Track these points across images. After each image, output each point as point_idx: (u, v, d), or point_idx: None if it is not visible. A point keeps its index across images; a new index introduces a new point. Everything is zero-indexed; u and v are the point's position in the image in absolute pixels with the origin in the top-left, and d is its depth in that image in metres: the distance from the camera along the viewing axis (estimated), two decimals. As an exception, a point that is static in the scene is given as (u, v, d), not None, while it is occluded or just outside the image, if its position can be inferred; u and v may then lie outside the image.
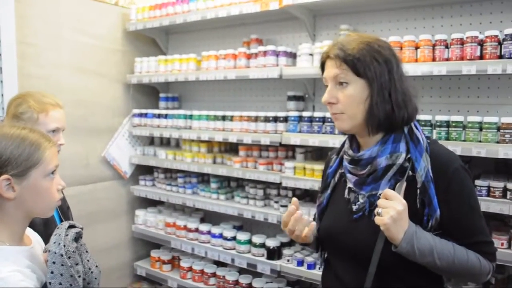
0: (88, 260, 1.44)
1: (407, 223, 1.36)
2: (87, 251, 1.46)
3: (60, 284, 1.28)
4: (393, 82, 1.45)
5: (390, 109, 1.44)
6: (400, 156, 1.46)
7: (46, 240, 1.49)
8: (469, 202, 1.45)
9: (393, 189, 1.45)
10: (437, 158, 1.46)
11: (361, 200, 1.52)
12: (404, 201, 1.36)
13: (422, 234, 1.38)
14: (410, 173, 1.45)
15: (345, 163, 1.59)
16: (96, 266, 1.47)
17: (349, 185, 1.58)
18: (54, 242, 1.33)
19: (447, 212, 1.42)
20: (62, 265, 1.30)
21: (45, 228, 1.91)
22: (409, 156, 1.46)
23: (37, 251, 1.42)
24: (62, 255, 1.30)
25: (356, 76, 1.45)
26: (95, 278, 1.45)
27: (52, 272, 1.29)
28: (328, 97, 1.50)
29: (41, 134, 1.39)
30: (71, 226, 1.42)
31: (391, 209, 1.34)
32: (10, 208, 1.31)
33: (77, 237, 1.42)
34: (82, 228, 1.45)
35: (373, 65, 1.43)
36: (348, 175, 1.58)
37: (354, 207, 1.53)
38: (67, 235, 1.36)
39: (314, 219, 1.73)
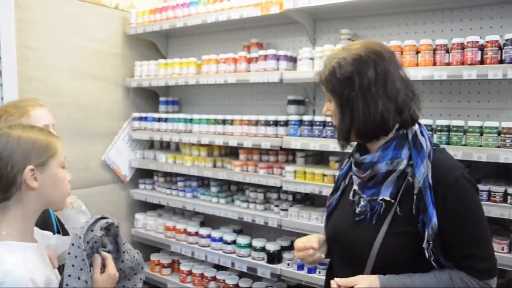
0: (130, 249, 1.57)
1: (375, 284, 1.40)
2: (124, 243, 1.56)
3: (73, 266, 1.33)
4: (356, 97, 1.48)
5: (348, 124, 1.51)
6: (401, 163, 1.47)
7: None
8: (467, 212, 1.42)
9: (395, 195, 1.47)
10: (439, 165, 1.45)
11: (362, 203, 1.55)
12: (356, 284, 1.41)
13: (395, 283, 1.41)
14: (411, 180, 1.45)
15: (352, 165, 1.63)
16: (138, 253, 1.62)
17: (354, 187, 1.61)
18: (81, 227, 1.40)
19: (443, 220, 1.40)
20: (78, 247, 1.35)
21: (41, 227, 1.93)
22: (411, 162, 1.47)
23: (43, 249, 1.43)
24: (80, 237, 1.36)
25: (332, 95, 1.55)
26: (139, 264, 1.61)
27: (69, 253, 1.35)
28: (324, 109, 1.63)
29: (47, 131, 1.47)
30: (103, 218, 1.49)
31: None
32: (31, 199, 1.36)
33: (109, 228, 1.49)
34: (118, 223, 1.53)
35: (333, 86, 1.52)
36: (354, 177, 1.62)
37: (357, 210, 1.57)
38: (95, 223, 1.43)
39: None
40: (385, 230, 1.46)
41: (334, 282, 1.45)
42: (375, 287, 1.40)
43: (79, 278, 1.32)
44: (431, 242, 1.40)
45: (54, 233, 2.06)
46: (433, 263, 1.42)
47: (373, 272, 1.45)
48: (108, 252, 1.47)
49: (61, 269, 1.45)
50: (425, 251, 1.40)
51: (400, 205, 1.46)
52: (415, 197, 1.43)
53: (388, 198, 1.48)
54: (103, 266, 1.42)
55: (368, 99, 1.46)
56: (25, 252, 1.31)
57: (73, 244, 1.35)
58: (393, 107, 1.47)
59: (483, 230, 1.44)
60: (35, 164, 1.33)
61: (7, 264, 1.22)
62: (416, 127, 1.54)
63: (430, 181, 1.42)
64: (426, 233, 1.40)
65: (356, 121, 1.48)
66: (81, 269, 1.33)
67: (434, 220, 1.39)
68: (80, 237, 1.35)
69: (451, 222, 1.41)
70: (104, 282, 1.40)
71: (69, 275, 1.31)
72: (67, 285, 1.31)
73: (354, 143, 1.66)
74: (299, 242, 1.68)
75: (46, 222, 1.99)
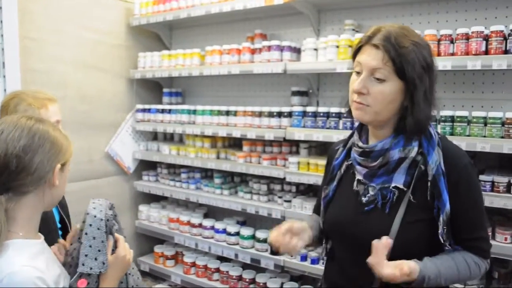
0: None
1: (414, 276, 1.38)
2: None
3: (90, 246, 1.34)
4: (429, 89, 1.44)
5: (421, 115, 1.43)
6: (413, 150, 1.47)
7: (45, 235, 1.50)
8: (475, 197, 1.47)
9: (409, 184, 1.46)
10: (449, 152, 1.47)
11: (371, 192, 1.52)
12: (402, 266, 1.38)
13: (431, 269, 1.40)
14: (423, 167, 1.45)
15: (354, 155, 1.58)
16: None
17: (358, 177, 1.57)
18: (95, 208, 1.41)
19: (455, 206, 1.43)
20: (98, 229, 1.36)
21: (43, 223, 1.93)
22: (421, 150, 1.47)
23: (47, 245, 1.43)
24: (101, 219, 1.37)
25: (396, 76, 1.41)
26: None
27: (86, 234, 1.35)
28: (360, 86, 1.44)
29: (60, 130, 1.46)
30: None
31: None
32: (46, 196, 1.36)
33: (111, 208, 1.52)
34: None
35: (419, 71, 1.40)
36: (358, 167, 1.57)
37: (364, 199, 1.53)
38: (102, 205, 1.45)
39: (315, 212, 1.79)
40: (400, 218, 1.45)
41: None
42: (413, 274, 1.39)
43: (96, 259, 1.33)
44: (445, 227, 1.42)
45: (56, 229, 2.07)
46: (448, 247, 1.44)
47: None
48: (117, 230, 1.49)
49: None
50: (440, 237, 1.43)
51: (414, 192, 1.46)
52: (429, 183, 1.43)
53: (401, 186, 1.47)
54: (115, 248, 1.43)
55: (429, 96, 1.46)
56: (32, 249, 1.30)
57: (91, 225, 1.35)
58: None
59: (484, 213, 1.51)
60: (61, 164, 1.35)
61: (16, 265, 1.21)
62: None
63: (443, 168, 1.43)
64: (441, 218, 1.42)
65: (426, 116, 1.45)
66: (99, 251, 1.34)
67: (448, 205, 1.42)
68: (101, 219, 1.36)
69: (463, 207, 1.44)
70: (112, 264, 1.40)
71: (86, 255, 1.32)
72: (83, 264, 1.32)
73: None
74: (272, 237, 1.59)
75: (47, 218, 1.99)
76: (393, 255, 1.43)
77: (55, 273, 1.31)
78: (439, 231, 1.42)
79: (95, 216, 1.37)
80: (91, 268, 1.32)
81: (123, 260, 1.44)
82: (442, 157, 1.45)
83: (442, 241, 1.43)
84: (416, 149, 1.47)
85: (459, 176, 1.44)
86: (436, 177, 1.42)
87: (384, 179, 1.50)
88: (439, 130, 2.43)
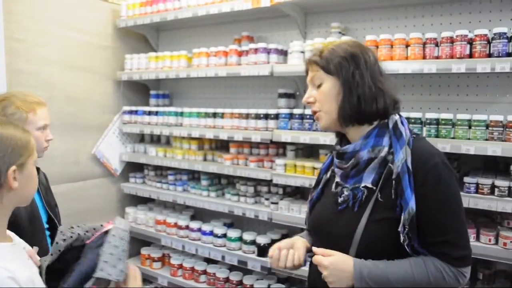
0: None
1: (349, 267, 1.43)
2: None
3: (111, 254, 1.37)
4: (360, 76, 1.51)
5: (356, 102, 1.51)
6: (383, 150, 1.51)
7: (31, 235, 1.48)
8: (444, 198, 1.44)
9: (377, 182, 1.50)
10: (419, 152, 1.48)
11: (345, 193, 1.57)
12: (331, 256, 1.46)
13: (374, 268, 1.42)
14: (392, 166, 1.48)
15: (333, 157, 1.65)
16: None
17: (337, 179, 1.63)
18: (120, 223, 1.46)
19: (421, 206, 1.42)
20: (122, 238, 1.40)
21: (30, 223, 1.92)
22: (392, 150, 1.50)
23: (20, 248, 1.41)
24: (126, 231, 1.42)
25: (327, 75, 1.55)
26: None
27: (109, 242, 1.39)
28: (306, 97, 1.64)
29: (22, 127, 1.41)
30: None
31: (322, 268, 1.46)
32: (7, 199, 1.32)
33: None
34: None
35: (339, 62, 1.52)
36: (336, 169, 1.64)
37: (339, 199, 1.58)
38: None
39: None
40: (367, 216, 1.48)
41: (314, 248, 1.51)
42: (346, 264, 1.44)
43: (114, 266, 1.35)
44: (407, 227, 1.41)
45: (43, 229, 2.05)
46: (406, 247, 1.43)
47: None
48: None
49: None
50: (400, 235, 1.42)
51: (381, 191, 1.49)
52: (393, 182, 1.45)
53: (370, 185, 1.50)
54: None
55: (374, 79, 1.53)
56: (1, 251, 1.28)
57: (114, 235, 1.39)
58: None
59: (459, 217, 1.46)
60: (16, 165, 1.30)
61: None
62: (397, 117, 1.56)
63: (410, 167, 1.44)
64: (402, 217, 1.42)
65: (364, 101, 1.51)
66: (120, 259, 1.37)
67: (411, 204, 1.41)
68: (126, 231, 1.40)
69: (429, 207, 1.43)
70: (132, 277, 1.43)
71: (106, 261, 1.35)
72: (101, 270, 1.33)
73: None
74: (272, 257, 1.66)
75: (34, 218, 1.98)
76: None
77: (26, 276, 1.28)
78: (399, 229, 1.42)
79: (118, 227, 1.41)
80: (109, 274, 1.34)
81: (139, 280, 1.46)
82: (410, 155, 1.46)
83: (402, 240, 1.42)
84: (386, 149, 1.51)
85: (426, 175, 1.44)
86: (400, 175, 1.44)
87: (356, 179, 1.55)
88: (424, 133, 2.45)
